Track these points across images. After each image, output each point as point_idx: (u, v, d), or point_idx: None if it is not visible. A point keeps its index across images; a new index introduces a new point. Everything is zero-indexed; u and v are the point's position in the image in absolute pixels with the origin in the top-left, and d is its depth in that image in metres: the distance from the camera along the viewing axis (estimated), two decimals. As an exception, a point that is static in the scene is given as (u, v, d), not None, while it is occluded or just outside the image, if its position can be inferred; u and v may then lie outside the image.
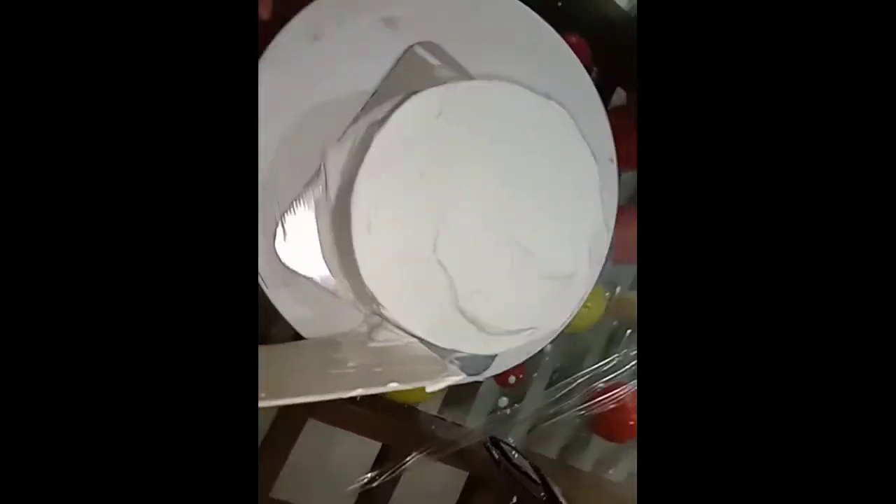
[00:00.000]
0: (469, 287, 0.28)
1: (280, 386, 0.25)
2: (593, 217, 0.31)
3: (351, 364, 0.27)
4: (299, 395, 0.24)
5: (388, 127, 0.26)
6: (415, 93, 0.27)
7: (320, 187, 0.29)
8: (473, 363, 0.32)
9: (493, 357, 0.32)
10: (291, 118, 0.28)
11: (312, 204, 0.29)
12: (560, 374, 0.42)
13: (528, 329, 0.29)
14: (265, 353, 0.27)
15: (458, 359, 0.31)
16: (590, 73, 0.34)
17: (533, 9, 0.32)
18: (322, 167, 0.29)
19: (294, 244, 0.29)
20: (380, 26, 0.29)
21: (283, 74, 0.28)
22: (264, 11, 0.28)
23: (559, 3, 0.36)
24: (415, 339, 0.28)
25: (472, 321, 0.28)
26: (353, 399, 0.37)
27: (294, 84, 0.28)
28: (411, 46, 0.29)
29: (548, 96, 0.30)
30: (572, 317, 0.32)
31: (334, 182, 0.29)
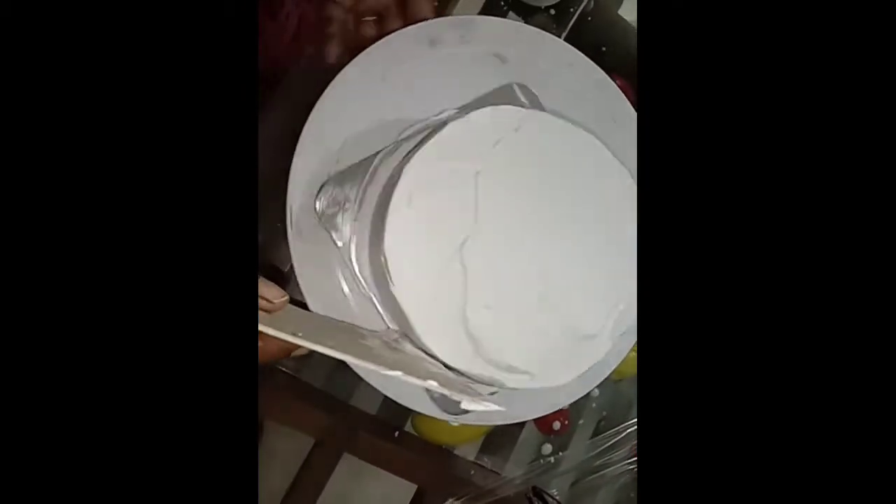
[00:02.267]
0: (481, 298, 0.27)
1: (314, 335, 0.24)
2: (629, 285, 0.29)
3: (376, 351, 0.27)
4: (334, 349, 0.24)
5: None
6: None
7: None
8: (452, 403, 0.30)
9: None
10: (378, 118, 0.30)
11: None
12: (607, 422, 0.39)
13: (524, 373, 0.28)
14: (296, 312, 0.27)
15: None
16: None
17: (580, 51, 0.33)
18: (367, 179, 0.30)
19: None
20: (490, 58, 0.32)
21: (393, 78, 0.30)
22: (332, 57, 0.30)
23: (603, 48, 0.37)
24: (430, 358, 0.27)
25: (472, 337, 0.27)
26: (391, 436, 0.37)
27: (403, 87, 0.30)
28: (510, 83, 0.32)
29: (620, 161, 0.30)
30: (579, 378, 0.29)
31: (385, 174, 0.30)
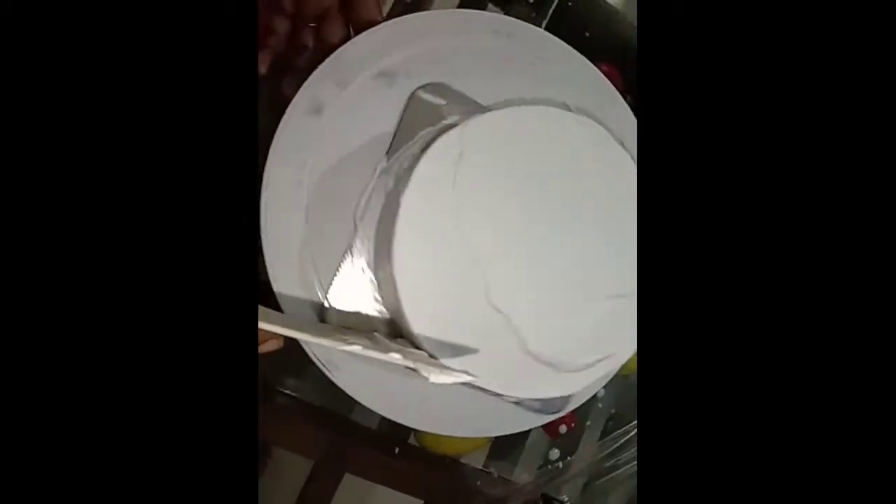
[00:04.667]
0: (534, 327, 0.26)
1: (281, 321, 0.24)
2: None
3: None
4: (299, 331, 0.23)
5: (411, 186, 0.26)
6: (432, 141, 0.26)
7: (358, 253, 0.28)
8: (552, 402, 0.30)
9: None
10: (315, 184, 0.28)
11: (354, 272, 0.28)
12: (616, 421, 0.38)
13: (605, 357, 0.27)
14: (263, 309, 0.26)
15: (536, 400, 0.29)
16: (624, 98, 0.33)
17: (563, 39, 0.32)
18: (357, 234, 0.28)
19: (343, 309, 0.28)
20: (378, 83, 0.28)
21: (295, 153, 0.28)
22: (262, 66, 0.29)
23: (586, 34, 0.36)
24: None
25: (549, 363, 0.26)
26: (391, 451, 0.36)
27: (311, 154, 0.28)
28: (414, 92, 0.28)
29: (568, 107, 0.28)
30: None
31: (369, 246, 0.28)
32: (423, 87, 0.29)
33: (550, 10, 0.38)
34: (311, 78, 0.28)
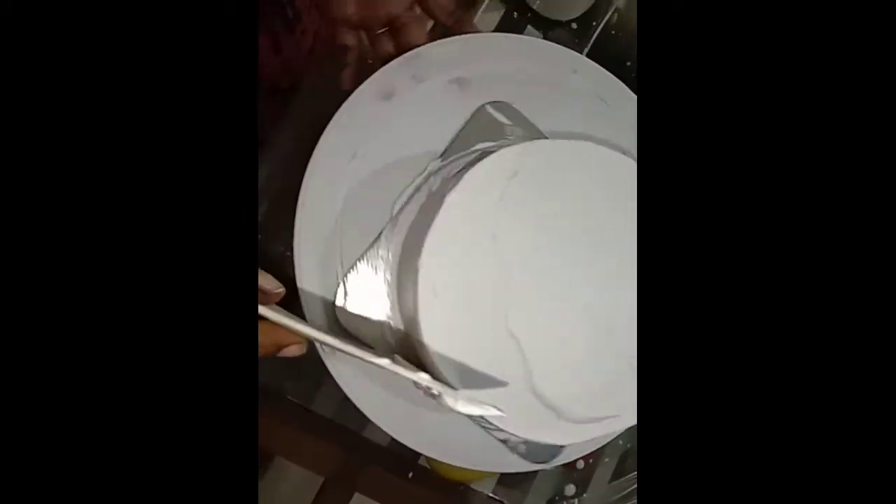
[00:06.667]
0: (544, 364, 0.25)
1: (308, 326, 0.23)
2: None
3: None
4: (326, 336, 0.23)
5: (461, 186, 0.25)
6: (490, 152, 0.26)
7: (385, 248, 0.28)
8: (541, 450, 0.29)
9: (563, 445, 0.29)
10: (361, 175, 0.28)
11: (378, 264, 0.28)
12: (633, 459, 0.37)
13: (610, 417, 0.26)
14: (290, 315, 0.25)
15: (524, 443, 0.28)
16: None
17: (603, 67, 0.31)
18: (389, 227, 0.28)
19: (355, 306, 0.28)
20: (451, 87, 0.29)
21: (354, 131, 0.28)
22: (348, 83, 0.29)
23: (627, 63, 0.35)
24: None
25: (549, 406, 0.25)
26: (405, 474, 0.35)
27: (365, 142, 0.28)
28: (483, 105, 0.29)
29: (628, 153, 0.28)
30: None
31: (399, 241, 0.28)
32: (491, 102, 0.29)
33: (593, 38, 0.38)
34: (386, 67, 0.28)
